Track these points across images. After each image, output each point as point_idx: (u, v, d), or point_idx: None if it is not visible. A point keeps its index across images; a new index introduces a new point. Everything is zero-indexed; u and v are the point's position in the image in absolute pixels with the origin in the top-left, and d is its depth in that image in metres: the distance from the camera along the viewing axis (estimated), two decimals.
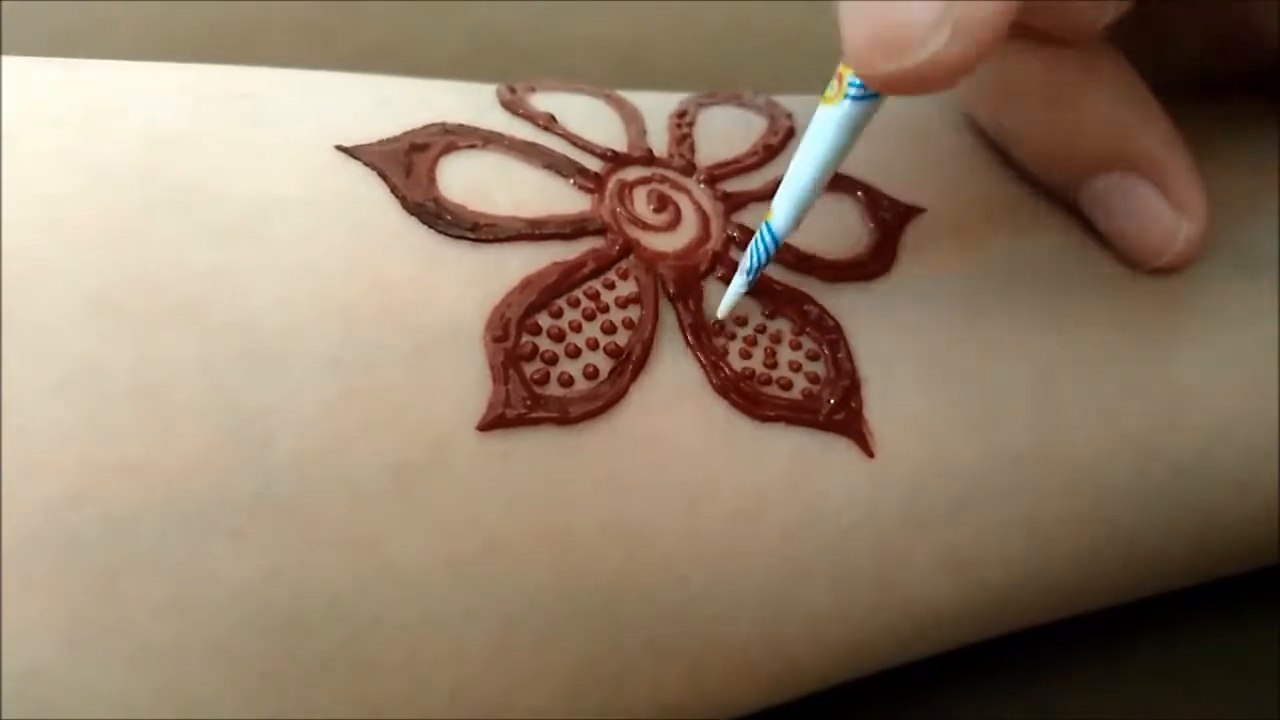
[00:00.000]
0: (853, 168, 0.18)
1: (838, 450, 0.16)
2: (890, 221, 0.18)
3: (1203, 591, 0.21)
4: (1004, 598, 0.18)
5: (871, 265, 0.17)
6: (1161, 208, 0.18)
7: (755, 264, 0.16)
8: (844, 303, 0.17)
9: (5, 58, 0.16)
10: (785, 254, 0.17)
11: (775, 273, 0.17)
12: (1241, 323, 0.19)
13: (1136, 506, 0.18)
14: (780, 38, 0.32)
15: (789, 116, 0.19)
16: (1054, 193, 0.19)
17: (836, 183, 0.18)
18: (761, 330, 0.16)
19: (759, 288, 0.16)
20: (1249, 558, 0.20)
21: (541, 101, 0.18)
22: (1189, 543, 0.19)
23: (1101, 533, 0.18)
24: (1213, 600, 0.21)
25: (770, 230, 0.16)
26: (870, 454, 0.16)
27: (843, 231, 0.18)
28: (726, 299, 0.16)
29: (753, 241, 0.16)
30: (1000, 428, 0.17)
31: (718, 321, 0.16)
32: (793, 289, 0.17)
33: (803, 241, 0.17)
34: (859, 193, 0.18)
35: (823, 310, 0.17)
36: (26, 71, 0.15)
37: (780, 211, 0.16)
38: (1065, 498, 0.17)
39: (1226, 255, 0.19)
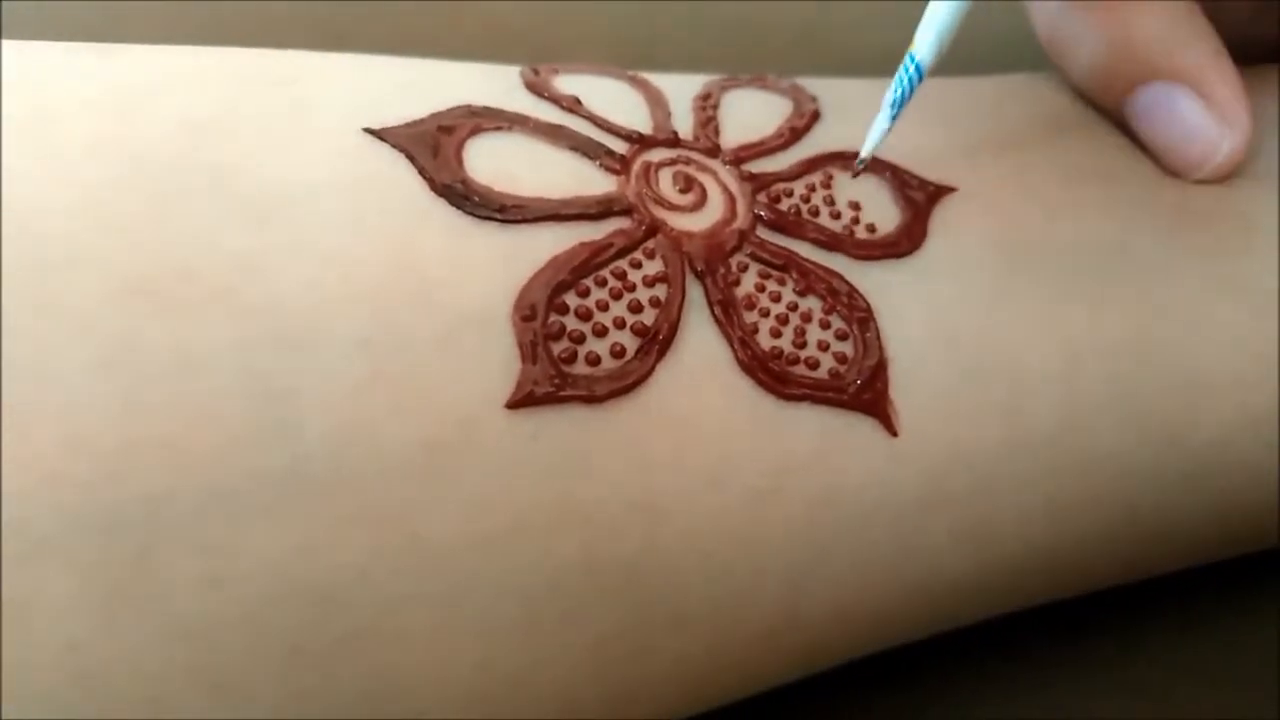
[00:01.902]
0: (881, 149, 0.18)
1: (862, 429, 0.16)
2: (920, 200, 0.18)
3: (1214, 581, 0.21)
4: (1022, 574, 0.18)
5: (902, 244, 0.17)
6: (1205, 119, 0.19)
7: (900, 97, 0.16)
8: (874, 281, 0.17)
9: (39, 43, 0.16)
10: (817, 233, 0.17)
11: (805, 251, 0.17)
12: (1271, 314, 0.18)
13: (1154, 491, 0.18)
14: (792, 31, 0.32)
15: (814, 100, 0.19)
16: (1105, 111, 0.20)
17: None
18: (793, 308, 0.16)
19: (791, 264, 0.16)
20: (1265, 539, 0.20)
21: (565, 84, 0.18)
22: (1205, 525, 0.19)
23: (1118, 514, 0.18)
24: (1224, 591, 0.21)
25: (915, 61, 0.16)
26: (894, 433, 0.16)
27: (873, 210, 0.18)
28: (872, 136, 0.17)
29: (897, 75, 0.17)
30: (1025, 412, 0.17)
31: (862, 161, 0.17)
32: (824, 267, 0.17)
33: (834, 221, 0.17)
34: (887, 173, 0.18)
35: (853, 288, 0.17)
36: (60, 57, 0.16)
37: (923, 42, 0.17)
38: (1084, 480, 0.17)
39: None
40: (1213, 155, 0.19)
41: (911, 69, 0.16)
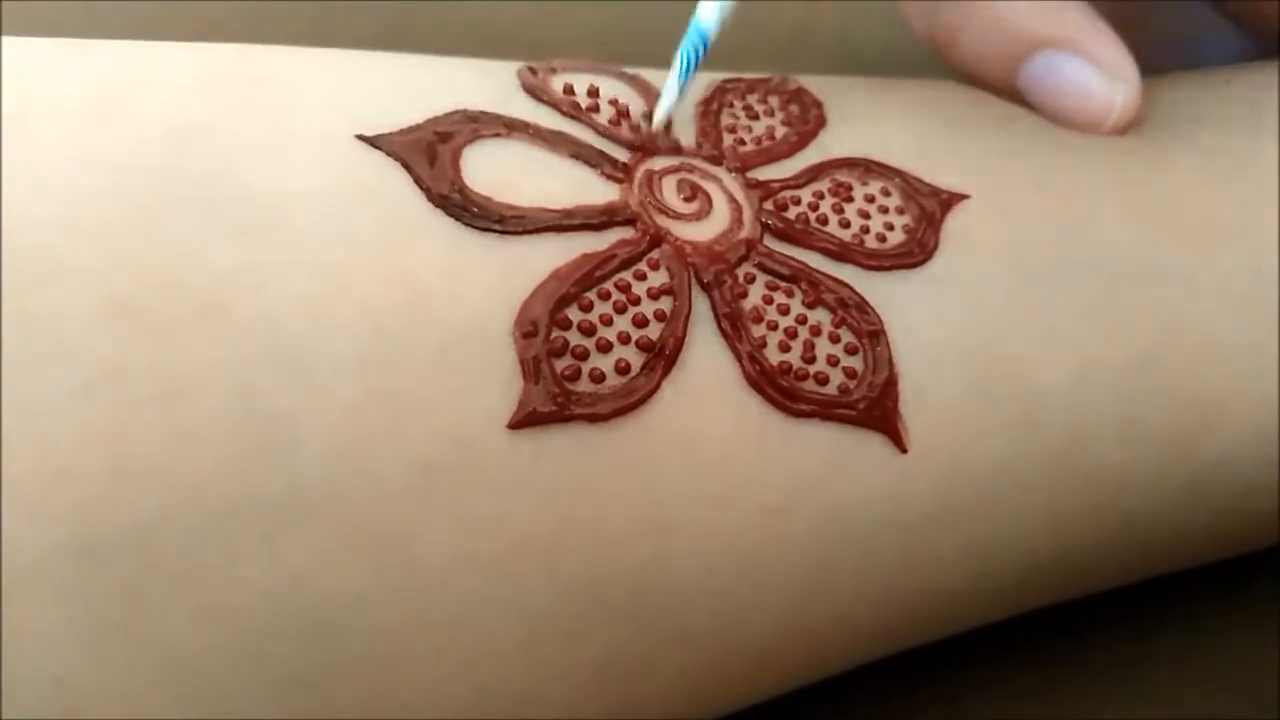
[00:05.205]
0: (892, 155, 0.18)
1: (871, 445, 0.16)
2: (932, 208, 0.17)
3: (1219, 582, 0.21)
4: (1020, 583, 0.18)
5: (914, 254, 0.17)
6: (1094, 78, 0.19)
7: (687, 65, 0.17)
8: (884, 292, 0.16)
9: (13, 38, 0.15)
10: (826, 243, 0.17)
11: (816, 261, 0.16)
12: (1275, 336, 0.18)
13: (1155, 503, 0.18)
14: (783, 33, 0.32)
15: (819, 104, 0.19)
16: (997, 91, 0.20)
17: (876, 170, 0.18)
18: (802, 321, 0.16)
19: (799, 275, 0.16)
20: (1258, 543, 0.20)
21: (564, 84, 0.17)
22: (1201, 533, 0.19)
23: (1118, 523, 0.18)
24: (1228, 592, 0.21)
25: (699, 28, 0.17)
26: (904, 450, 0.16)
27: (883, 219, 0.17)
28: (661, 105, 0.17)
29: (683, 43, 0.17)
30: (1034, 427, 0.17)
31: (653, 126, 0.17)
32: (833, 277, 0.16)
33: (843, 230, 0.17)
34: (898, 180, 0.18)
35: (863, 300, 0.16)
36: (36, 53, 0.15)
37: (707, 7, 0.17)
38: (1086, 491, 0.17)
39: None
40: (1110, 111, 0.19)
41: (696, 36, 0.17)
